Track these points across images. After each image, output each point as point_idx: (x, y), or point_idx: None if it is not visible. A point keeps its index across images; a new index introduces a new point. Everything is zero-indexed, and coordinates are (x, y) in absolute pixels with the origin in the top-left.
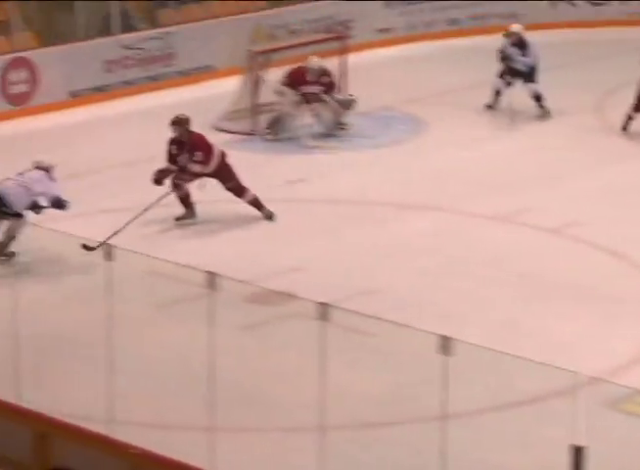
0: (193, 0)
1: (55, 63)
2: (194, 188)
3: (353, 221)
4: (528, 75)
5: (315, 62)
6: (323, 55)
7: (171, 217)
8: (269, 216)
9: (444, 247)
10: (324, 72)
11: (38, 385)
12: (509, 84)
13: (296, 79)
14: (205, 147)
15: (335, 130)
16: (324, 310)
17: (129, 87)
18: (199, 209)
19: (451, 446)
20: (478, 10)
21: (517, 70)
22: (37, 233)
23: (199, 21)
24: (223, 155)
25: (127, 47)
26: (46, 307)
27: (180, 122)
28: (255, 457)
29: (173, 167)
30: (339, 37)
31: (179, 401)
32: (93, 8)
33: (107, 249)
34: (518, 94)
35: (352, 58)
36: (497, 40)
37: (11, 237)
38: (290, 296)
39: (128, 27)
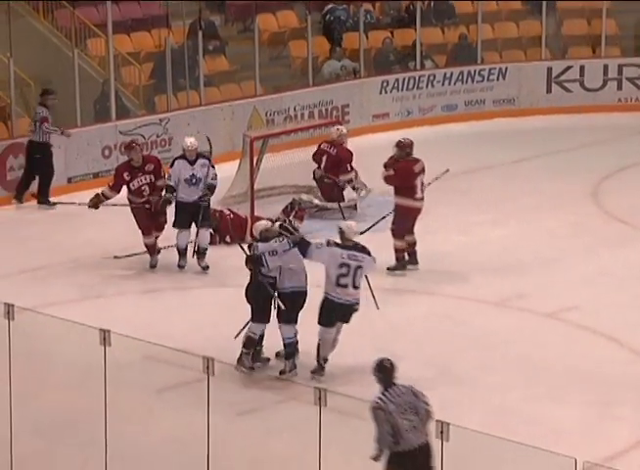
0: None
1: (53, 149)
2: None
3: None
4: None
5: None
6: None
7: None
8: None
9: (441, 332)
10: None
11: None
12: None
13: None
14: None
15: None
16: (321, 395)
17: None
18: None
19: None
20: (474, 95)
21: None
22: (36, 318)
23: (195, 106)
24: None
25: (124, 133)
26: (42, 392)
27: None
28: None
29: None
30: (335, 122)
31: None
32: (91, 94)
33: (103, 335)
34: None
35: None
36: (494, 125)
37: None
38: (287, 381)
39: (125, 113)
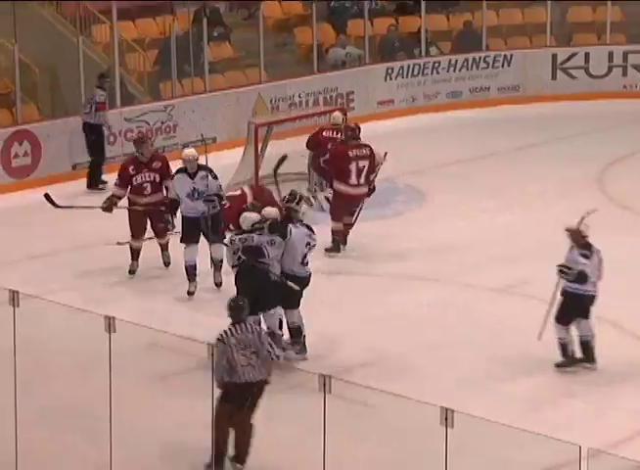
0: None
1: (57, 135)
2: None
3: (354, 293)
4: None
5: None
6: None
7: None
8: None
9: (446, 319)
10: None
11: (37, 457)
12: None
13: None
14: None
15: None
16: (325, 382)
17: None
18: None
19: None
20: (478, 82)
21: None
22: (41, 305)
23: (200, 93)
24: None
25: (129, 120)
26: (46, 379)
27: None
28: None
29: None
30: (340, 109)
31: None
32: (96, 81)
33: (108, 322)
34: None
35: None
36: (499, 112)
37: None
38: (291, 367)
39: (130, 100)
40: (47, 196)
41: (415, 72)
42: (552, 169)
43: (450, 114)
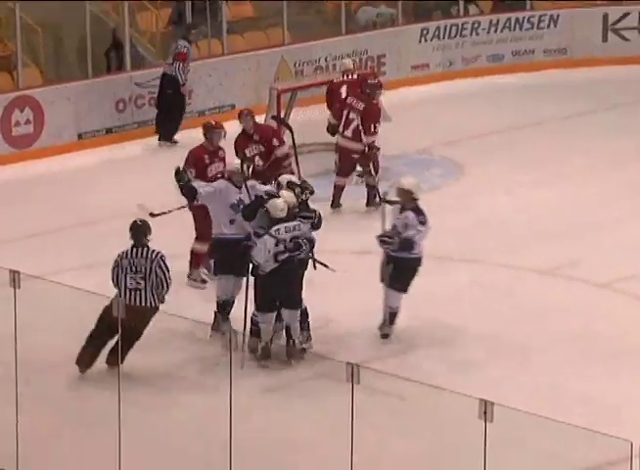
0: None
1: (62, 101)
2: None
3: None
4: None
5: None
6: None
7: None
8: None
9: (484, 303)
10: None
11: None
12: None
13: None
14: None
15: None
16: (354, 372)
17: (142, 128)
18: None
19: None
20: (522, 45)
21: None
22: (42, 286)
23: (217, 56)
24: None
25: (139, 84)
26: (50, 365)
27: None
28: None
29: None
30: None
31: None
32: (104, 42)
33: (117, 304)
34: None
35: (385, 96)
36: (544, 77)
37: None
38: (316, 355)
39: (140, 63)
40: (141, 206)
41: (452, 34)
42: (601, 140)
43: (490, 79)
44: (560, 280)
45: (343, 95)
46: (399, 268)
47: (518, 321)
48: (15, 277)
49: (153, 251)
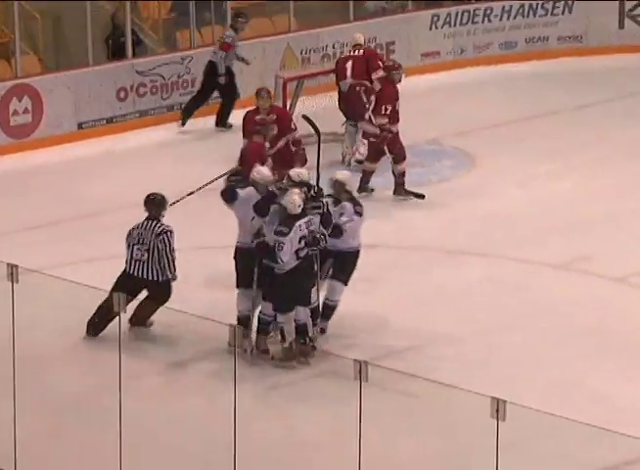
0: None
1: (61, 90)
2: None
3: (393, 269)
4: None
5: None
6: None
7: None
8: None
9: (496, 298)
10: None
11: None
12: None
13: None
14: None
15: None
16: (362, 369)
17: (144, 118)
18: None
19: None
20: (536, 32)
21: None
22: (41, 280)
23: None
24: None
25: (141, 72)
26: (48, 362)
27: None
28: None
29: None
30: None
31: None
32: (104, 28)
33: (118, 299)
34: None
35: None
36: (558, 65)
37: None
38: (324, 352)
39: (143, 51)
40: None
41: (464, 20)
42: (617, 130)
43: (503, 67)
44: (574, 274)
45: (348, 71)
46: (341, 261)
47: (531, 316)
48: (13, 271)
49: (161, 225)
